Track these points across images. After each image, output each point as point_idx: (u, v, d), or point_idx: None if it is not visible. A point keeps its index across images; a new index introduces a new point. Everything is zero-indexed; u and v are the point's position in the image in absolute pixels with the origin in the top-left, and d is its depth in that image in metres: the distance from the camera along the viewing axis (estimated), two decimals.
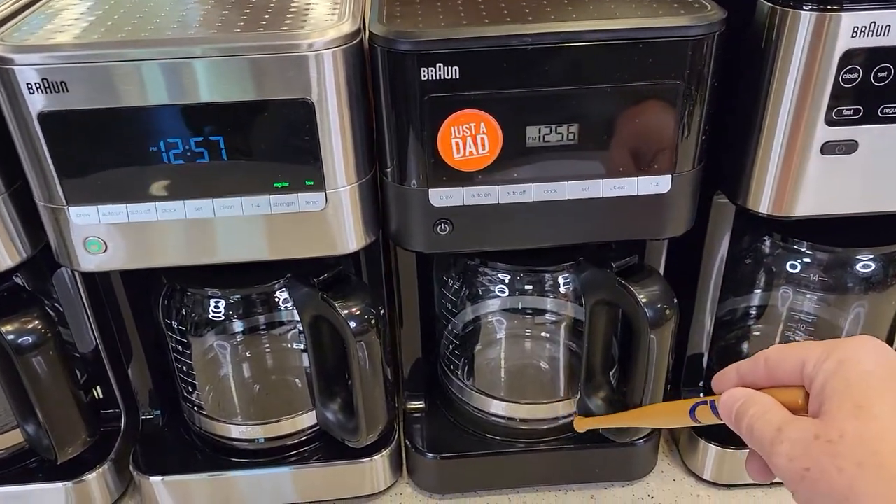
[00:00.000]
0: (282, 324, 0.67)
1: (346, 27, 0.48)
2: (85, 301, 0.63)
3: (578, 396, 0.67)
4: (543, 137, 0.50)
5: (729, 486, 0.70)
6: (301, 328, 0.62)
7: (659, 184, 0.52)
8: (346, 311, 0.56)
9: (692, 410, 0.45)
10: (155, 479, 0.66)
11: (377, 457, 0.67)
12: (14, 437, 0.66)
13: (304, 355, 0.64)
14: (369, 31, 0.48)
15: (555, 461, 0.69)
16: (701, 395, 0.68)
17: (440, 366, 0.73)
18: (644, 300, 0.56)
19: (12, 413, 0.63)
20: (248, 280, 0.61)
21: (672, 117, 0.50)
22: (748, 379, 0.42)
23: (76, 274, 0.62)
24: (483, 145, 0.50)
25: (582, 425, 0.64)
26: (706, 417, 0.44)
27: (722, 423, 0.42)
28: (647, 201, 0.53)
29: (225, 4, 0.53)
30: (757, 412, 0.39)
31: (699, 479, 0.71)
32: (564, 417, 0.69)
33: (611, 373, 0.67)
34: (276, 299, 0.64)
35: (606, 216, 0.54)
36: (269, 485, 0.68)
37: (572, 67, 0.48)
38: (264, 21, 0.49)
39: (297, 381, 0.71)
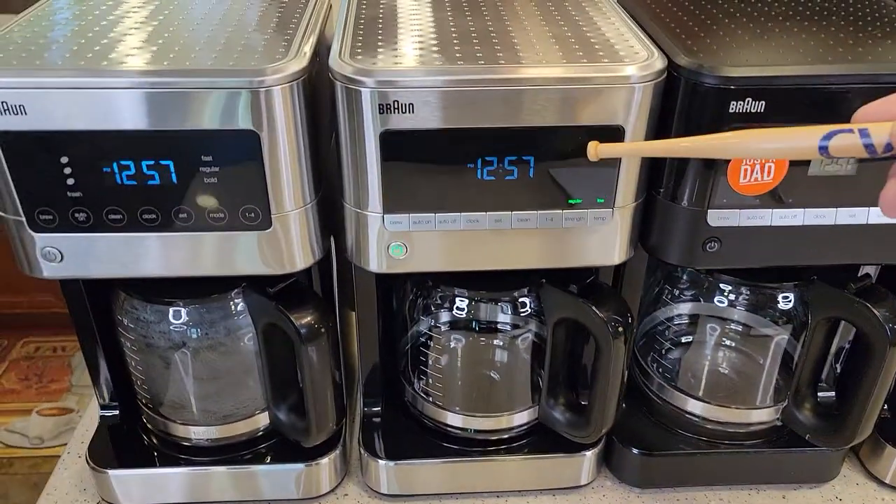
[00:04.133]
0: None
1: (658, 63, 0.52)
2: None
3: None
4: (824, 168, 0.54)
5: None
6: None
7: None
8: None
9: (825, 139, 0.35)
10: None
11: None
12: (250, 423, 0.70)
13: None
14: (675, 63, 0.53)
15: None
16: None
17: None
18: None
19: (265, 398, 0.68)
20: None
21: None
22: None
23: None
24: (769, 172, 0.54)
25: (601, 151, 0.51)
26: (846, 149, 0.34)
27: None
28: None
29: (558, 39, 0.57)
30: None
31: (881, 483, 0.74)
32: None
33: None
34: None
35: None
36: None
37: None
38: (580, 53, 0.54)
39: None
